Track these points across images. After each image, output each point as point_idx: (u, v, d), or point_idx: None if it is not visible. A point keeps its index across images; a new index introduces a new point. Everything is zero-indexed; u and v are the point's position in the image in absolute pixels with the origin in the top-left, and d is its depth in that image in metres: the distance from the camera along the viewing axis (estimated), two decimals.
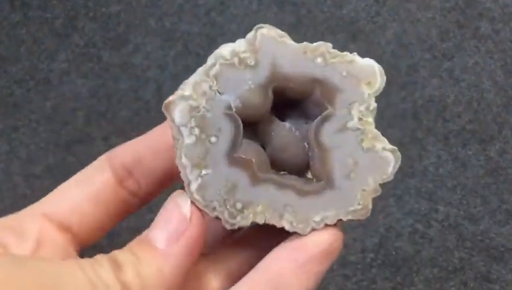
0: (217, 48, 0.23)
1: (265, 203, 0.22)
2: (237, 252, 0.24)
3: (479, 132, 0.56)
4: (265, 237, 0.23)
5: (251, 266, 0.22)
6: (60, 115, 0.60)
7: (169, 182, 0.25)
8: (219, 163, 0.22)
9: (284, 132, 0.23)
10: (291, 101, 0.23)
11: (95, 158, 0.59)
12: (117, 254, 0.21)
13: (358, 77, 0.23)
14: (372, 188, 0.22)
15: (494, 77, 0.60)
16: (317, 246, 0.21)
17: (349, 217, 0.22)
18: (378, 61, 0.24)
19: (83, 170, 0.25)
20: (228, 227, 0.22)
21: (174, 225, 0.21)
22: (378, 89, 0.23)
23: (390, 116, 0.57)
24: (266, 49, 0.23)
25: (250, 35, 0.23)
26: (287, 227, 0.22)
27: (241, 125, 0.22)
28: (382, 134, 0.23)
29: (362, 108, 0.23)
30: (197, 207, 0.21)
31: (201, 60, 0.22)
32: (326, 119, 0.22)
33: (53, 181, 0.52)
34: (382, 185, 0.23)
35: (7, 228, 0.22)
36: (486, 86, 0.59)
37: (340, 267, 0.42)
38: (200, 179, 0.21)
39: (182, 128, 0.22)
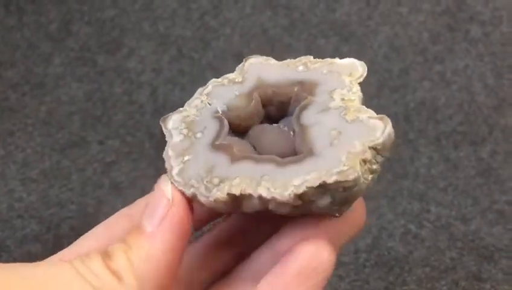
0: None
1: (243, 176, 0.21)
2: (223, 252, 0.24)
3: (470, 134, 0.57)
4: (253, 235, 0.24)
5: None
6: (55, 119, 0.61)
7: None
8: (201, 150, 0.23)
9: (273, 129, 0.24)
10: (285, 112, 0.24)
11: (90, 162, 0.59)
12: (109, 246, 0.21)
13: (339, 72, 0.24)
14: (359, 150, 0.21)
15: (485, 80, 0.60)
16: (295, 264, 0.20)
17: (335, 179, 0.20)
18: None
19: (96, 226, 0.24)
20: (203, 200, 0.21)
21: (158, 209, 0.21)
22: (360, 76, 0.23)
23: None
24: (252, 69, 0.25)
25: (240, 65, 0.25)
26: (264, 193, 0.20)
27: (227, 123, 0.23)
28: None
29: (344, 91, 0.23)
30: (178, 189, 0.22)
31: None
32: (307, 105, 0.23)
33: (49, 185, 0.52)
34: (376, 151, 0.21)
35: (28, 278, 0.22)
36: (477, 88, 0.60)
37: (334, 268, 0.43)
38: (182, 164, 0.22)
39: (173, 131, 0.23)
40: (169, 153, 0.23)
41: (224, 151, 0.22)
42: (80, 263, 0.20)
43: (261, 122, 0.24)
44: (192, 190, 0.22)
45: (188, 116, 0.24)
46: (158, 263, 0.20)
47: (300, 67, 0.24)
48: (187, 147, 0.23)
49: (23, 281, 0.19)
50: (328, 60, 0.24)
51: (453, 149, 0.56)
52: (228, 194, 0.21)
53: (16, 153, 0.56)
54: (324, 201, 0.21)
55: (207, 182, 0.22)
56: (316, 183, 0.20)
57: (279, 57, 0.26)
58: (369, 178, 0.21)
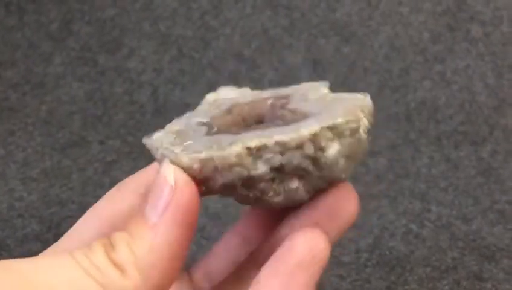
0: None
1: (253, 137, 0.21)
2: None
3: (471, 134, 0.57)
4: None
5: None
6: (55, 119, 0.61)
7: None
8: (199, 138, 0.22)
9: (260, 125, 0.24)
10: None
11: (90, 161, 0.60)
12: (113, 234, 0.20)
13: (309, 87, 0.25)
14: (352, 107, 0.22)
15: (485, 79, 0.60)
16: (295, 252, 0.20)
17: (342, 118, 0.21)
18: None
19: (97, 202, 0.24)
20: (218, 159, 0.21)
21: (161, 197, 0.20)
22: (325, 85, 0.25)
23: (383, 118, 0.57)
24: (226, 94, 0.26)
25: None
26: (279, 138, 0.21)
27: (215, 127, 0.23)
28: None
29: (317, 92, 0.25)
30: (186, 171, 0.21)
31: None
32: (287, 102, 0.24)
33: (49, 184, 0.52)
34: (364, 113, 0.22)
35: (28, 275, 0.22)
36: (477, 88, 0.60)
37: (335, 268, 0.42)
38: (183, 146, 0.22)
39: (162, 138, 0.23)
40: (164, 145, 0.22)
41: (223, 132, 0.22)
42: (82, 256, 0.19)
43: None
44: (203, 155, 0.21)
45: (172, 129, 0.24)
46: (162, 254, 0.20)
47: (271, 93, 0.26)
48: (181, 141, 0.22)
49: (26, 279, 0.18)
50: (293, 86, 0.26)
51: (454, 149, 0.56)
52: (245, 147, 0.21)
53: (16, 152, 0.56)
54: (333, 150, 0.22)
55: (217, 146, 0.21)
56: (328, 123, 0.21)
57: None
58: (366, 137, 0.22)
